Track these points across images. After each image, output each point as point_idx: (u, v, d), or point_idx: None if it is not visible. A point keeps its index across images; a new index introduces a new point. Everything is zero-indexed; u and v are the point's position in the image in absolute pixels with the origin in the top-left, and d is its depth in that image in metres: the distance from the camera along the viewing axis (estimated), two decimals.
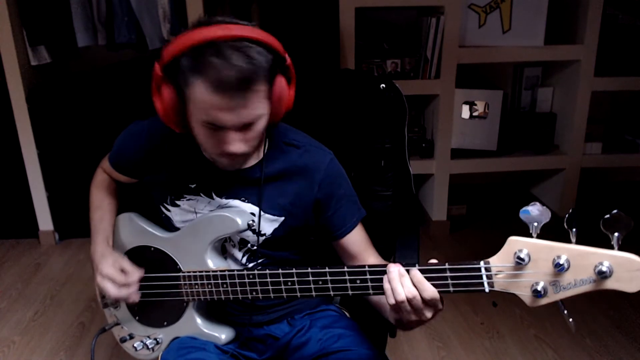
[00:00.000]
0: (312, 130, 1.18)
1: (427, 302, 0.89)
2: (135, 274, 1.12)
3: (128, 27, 2.39)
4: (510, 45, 2.55)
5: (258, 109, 0.95)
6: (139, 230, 1.19)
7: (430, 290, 0.88)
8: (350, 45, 2.40)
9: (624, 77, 2.62)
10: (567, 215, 0.79)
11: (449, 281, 0.88)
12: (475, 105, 2.65)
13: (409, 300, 0.88)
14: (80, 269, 2.47)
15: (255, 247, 1.13)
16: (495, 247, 0.85)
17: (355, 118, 1.38)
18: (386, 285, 0.90)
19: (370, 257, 1.15)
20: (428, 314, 0.90)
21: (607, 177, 3.13)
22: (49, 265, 2.52)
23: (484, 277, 0.86)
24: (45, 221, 2.67)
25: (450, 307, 2.15)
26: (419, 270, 0.89)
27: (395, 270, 0.90)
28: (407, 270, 0.90)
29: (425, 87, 2.55)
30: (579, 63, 2.57)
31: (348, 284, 0.96)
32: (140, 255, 1.18)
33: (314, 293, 0.99)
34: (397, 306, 0.90)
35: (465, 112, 2.66)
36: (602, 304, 2.13)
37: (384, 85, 1.34)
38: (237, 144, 0.97)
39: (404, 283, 0.89)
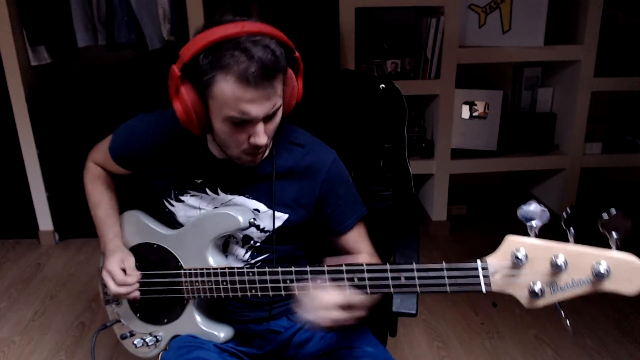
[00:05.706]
0: (312, 131, 1.18)
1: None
2: (134, 276, 1.14)
3: (128, 27, 2.39)
4: (510, 45, 2.55)
5: (278, 99, 0.98)
6: (143, 228, 1.21)
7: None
8: (350, 45, 2.40)
9: (624, 77, 2.62)
10: (564, 215, 0.78)
11: (446, 281, 0.88)
12: (475, 105, 2.65)
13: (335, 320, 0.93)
14: (80, 269, 2.47)
15: (258, 244, 1.14)
16: (495, 248, 0.85)
17: (354, 118, 1.38)
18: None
19: (364, 253, 1.16)
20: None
21: (607, 177, 3.13)
22: (49, 265, 2.52)
23: (481, 277, 0.85)
24: (45, 221, 2.67)
25: (450, 307, 2.15)
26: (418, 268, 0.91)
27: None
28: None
29: (425, 87, 2.55)
30: (579, 63, 2.57)
31: (346, 282, 0.95)
32: (143, 252, 1.19)
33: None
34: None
35: (465, 112, 2.66)
36: (602, 304, 2.13)
37: (383, 85, 1.34)
38: (263, 136, 0.99)
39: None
